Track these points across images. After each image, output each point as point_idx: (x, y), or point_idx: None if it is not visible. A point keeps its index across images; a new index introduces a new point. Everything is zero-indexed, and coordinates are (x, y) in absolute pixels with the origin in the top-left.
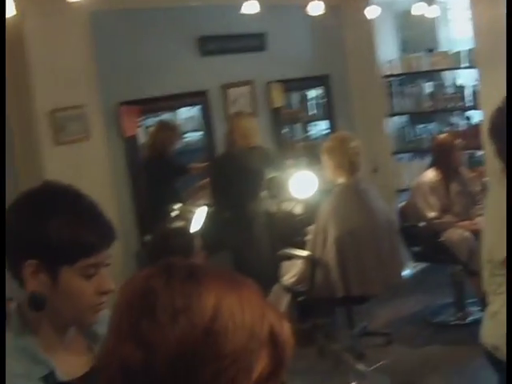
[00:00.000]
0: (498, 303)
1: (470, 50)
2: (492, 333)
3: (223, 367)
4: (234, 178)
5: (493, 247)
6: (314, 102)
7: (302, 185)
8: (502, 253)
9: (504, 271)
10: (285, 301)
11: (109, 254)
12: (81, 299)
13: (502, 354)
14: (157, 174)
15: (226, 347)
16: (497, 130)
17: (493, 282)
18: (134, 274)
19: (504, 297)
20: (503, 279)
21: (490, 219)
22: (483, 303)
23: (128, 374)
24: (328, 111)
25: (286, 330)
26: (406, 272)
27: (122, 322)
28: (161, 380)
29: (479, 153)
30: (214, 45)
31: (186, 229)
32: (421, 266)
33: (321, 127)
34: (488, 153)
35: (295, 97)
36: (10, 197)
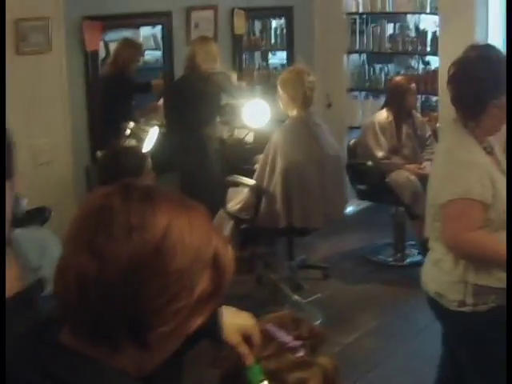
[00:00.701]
0: (439, 250)
1: None
2: (436, 280)
3: (168, 283)
4: (190, 101)
5: (436, 192)
6: (275, 32)
7: (255, 114)
8: (444, 198)
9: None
10: (228, 227)
11: None
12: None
13: (446, 300)
14: (116, 90)
15: (172, 265)
16: (455, 79)
17: (434, 228)
18: (97, 191)
19: None
20: None
21: (437, 164)
22: (423, 247)
23: (83, 283)
24: (288, 42)
25: (229, 255)
26: (350, 209)
27: (80, 235)
28: (112, 290)
29: (434, 98)
30: None
31: (137, 148)
32: (365, 204)
33: (280, 57)
34: (443, 99)
35: (257, 25)
36: None
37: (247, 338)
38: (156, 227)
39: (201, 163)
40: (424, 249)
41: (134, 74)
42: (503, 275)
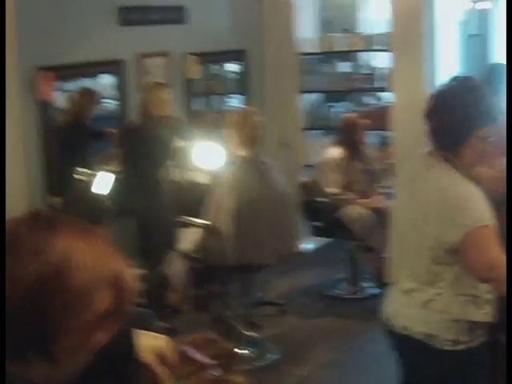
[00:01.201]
0: (431, 292)
1: (386, 33)
2: (425, 321)
3: (68, 300)
4: (142, 146)
5: (441, 233)
6: (230, 75)
7: (207, 155)
8: (452, 239)
9: (451, 259)
10: (181, 267)
11: None
12: None
13: (439, 340)
14: (72, 138)
15: (71, 284)
16: (435, 111)
17: (430, 271)
18: (10, 219)
19: (443, 285)
20: (446, 268)
21: (431, 204)
22: (379, 280)
23: None
24: (243, 85)
25: (128, 276)
26: (308, 246)
27: None
28: (22, 308)
29: (387, 134)
30: (133, 15)
31: (93, 195)
32: (323, 241)
33: (236, 101)
34: (398, 135)
35: (213, 69)
36: None
37: (162, 359)
38: (56, 250)
39: (150, 206)
40: (380, 281)
41: (90, 121)
42: (491, 309)
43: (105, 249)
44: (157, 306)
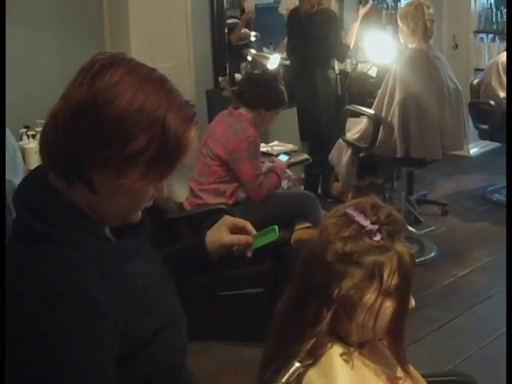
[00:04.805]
0: None
1: None
2: None
3: (100, 130)
4: (300, 36)
5: None
6: None
7: (379, 48)
8: None
9: None
10: (346, 155)
11: None
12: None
13: None
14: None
15: (106, 115)
16: None
17: None
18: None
19: None
20: None
21: None
22: None
23: (53, 120)
24: None
25: (180, 129)
26: (474, 150)
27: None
28: (62, 128)
29: None
30: None
31: (273, 74)
32: (490, 146)
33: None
34: None
35: None
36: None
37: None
38: (103, 83)
39: (313, 96)
40: None
41: None
42: None
43: (159, 93)
44: (319, 194)
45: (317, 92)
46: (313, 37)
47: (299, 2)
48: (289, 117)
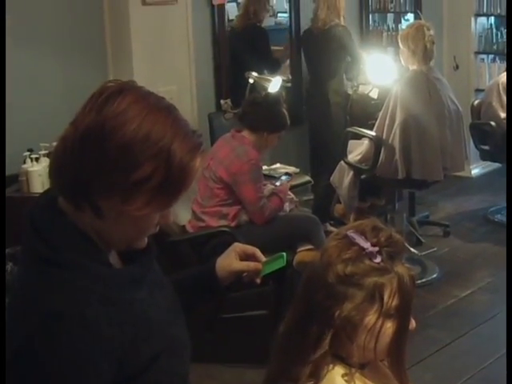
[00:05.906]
0: None
1: None
2: None
3: (105, 157)
4: (314, 55)
5: None
6: None
7: (380, 70)
8: None
9: None
10: (348, 177)
11: None
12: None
13: None
14: (249, 41)
15: (111, 142)
16: None
17: None
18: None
19: None
20: None
21: None
22: None
23: (63, 145)
24: (417, 5)
25: (186, 157)
26: (476, 171)
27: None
28: (70, 154)
29: None
30: None
31: (276, 97)
32: (491, 166)
33: (409, 20)
34: None
35: None
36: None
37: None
38: (111, 110)
39: (323, 115)
40: None
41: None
42: None
43: (165, 122)
44: (322, 216)
45: (329, 104)
46: (328, 49)
47: (311, 21)
48: (292, 139)
